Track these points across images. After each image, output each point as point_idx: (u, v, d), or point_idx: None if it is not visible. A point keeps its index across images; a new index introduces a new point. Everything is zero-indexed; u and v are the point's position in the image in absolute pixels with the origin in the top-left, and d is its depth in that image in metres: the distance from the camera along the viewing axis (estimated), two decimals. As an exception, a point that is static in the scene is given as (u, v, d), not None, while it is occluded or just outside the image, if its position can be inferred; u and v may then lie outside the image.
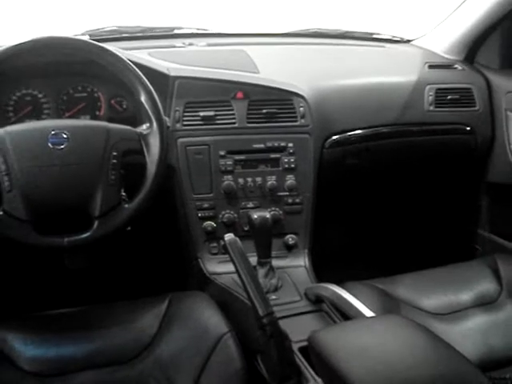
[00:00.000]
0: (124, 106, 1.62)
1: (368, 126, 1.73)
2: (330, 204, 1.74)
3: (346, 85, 1.77)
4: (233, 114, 1.58)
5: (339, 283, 1.33)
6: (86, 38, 1.55)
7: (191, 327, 1.30)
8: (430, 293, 1.50)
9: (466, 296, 1.49)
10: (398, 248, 2.10)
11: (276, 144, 1.58)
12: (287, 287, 1.46)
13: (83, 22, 2.17)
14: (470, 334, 1.39)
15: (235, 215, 1.57)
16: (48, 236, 1.29)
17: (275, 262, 1.47)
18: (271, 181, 1.58)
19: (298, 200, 1.60)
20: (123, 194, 1.36)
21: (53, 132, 1.31)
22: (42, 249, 1.31)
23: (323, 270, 1.59)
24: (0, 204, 1.28)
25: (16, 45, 1.34)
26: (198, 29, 2.02)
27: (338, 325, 1.24)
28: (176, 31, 2.00)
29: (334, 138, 1.68)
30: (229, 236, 1.22)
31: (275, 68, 1.74)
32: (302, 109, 1.61)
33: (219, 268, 1.54)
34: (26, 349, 1.27)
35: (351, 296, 1.24)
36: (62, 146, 1.30)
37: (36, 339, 1.30)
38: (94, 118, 1.61)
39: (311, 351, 1.01)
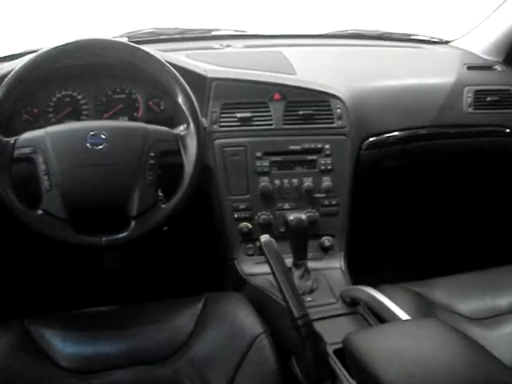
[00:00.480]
0: (162, 108, 1.64)
1: (405, 128, 1.72)
2: (366, 206, 1.73)
3: (383, 86, 1.77)
4: (269, 116, 1.58)
5: (375, 286, 1.33)
6: (125, 39, 1.58)
7: (226, 328, 1.31)
8: (467, 297, 1.48)
9: (504, 301, 1.47)
10: (435, 251, 2.08)
11: (313, 146, 1.58)
12: (322, 289, 1.45)
13: (122, 24, 2.20)
14: (508, 340, 1.36)
15: (271, 216, 1.57)
16: (86, 235, 1.32)
17: (311, 264, 1.46)
18: (307, 182, 1.58)
19: (334, 202, 1.60)
20: (160, 194, 1.38)
21: (91, 133, 1.34)
22: (80, 247, 1.34)
23: (359, 272, 1.58)
24: (40, 203, 1.31)
25: (56, 47, 1.38)
26: (236, 30, 2.04)
27: (374, 328, 1.24)
28: (213, 33, 2.02)
29: (371, 139, 1.67)
30: (265, 237, 1.22)
31: (312, 69, 1.74)
32: (338, 110, 1.61)
33: (255, 269, 1.54)
34: (63, 346, 1.29)
35: (387, 299, 1.23)
36: (101, 147, 1.33)
37: (73, 336, 1.33)
38: (132, 119, 1.63)
39: (346, 353, 1.01)
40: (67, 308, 1.43)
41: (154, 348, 1.31)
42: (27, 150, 1.32)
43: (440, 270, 1.58)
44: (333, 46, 2.03)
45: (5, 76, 1.38)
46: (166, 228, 1.44)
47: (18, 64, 1.37)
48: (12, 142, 1.32)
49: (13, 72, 1.35)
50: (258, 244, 1.48)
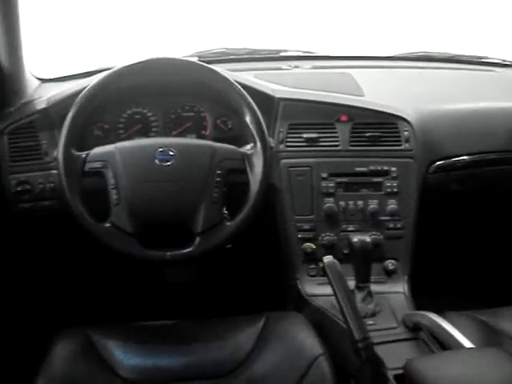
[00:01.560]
0: (229, 126, 1.66)
1: (474, 152, 1.69)
2: (431, 230, 1.71)
3: (452, 109, 1.74)
4: (336, 137, 1.59)
5: (438, 312, 1.31)
6: (195, 59, 1.61)
7: (286, 347, 1.31)
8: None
9: None
10: (502, 278, 2.02)
11: (379, 168, 1.58)
12: (385, 313, 1.44)
13: (193, 43, 2.25)
14: None
15: (335, 238, 1.57)
16: (151, 249, 1.35)
17: (374, 287, 1.45)
18: (373, 205, 1.57)
19: (399, 225, 1.58)
20: (225, 211, 1.40)
21: (160, 149, 1.38)
22: (144, 261, 1.37)
23: (422, 297, 1.55)
24: (107, 216, 1.35)
25: (128, 65, 1.43)
26: (304, 51, 2.05)
27: (436, 354, 1.22)
28: (282, 54, 2.04)
29: (439, 163, 1.65)
30: (328, 258, 1.23)
31: (380, 91, 1.74)
32: (406, 133, 1.60)
33: (317, 290, 1.54)
34: (124, 356, 1.32)
35: (451, 326, 1.21)
36: (169, 163, 1.37)
37: (135, 348, 1.36)
38: (200, 137, 1.66)
39: (407, 379, 1.00)
40: (129, 319, 1.46)
41: (214, 364, 1.32)
42: (98, 165, 1.37)
43: (506, 299, 1.55)
44: (401, 68, 2.02)
45: (78, 93, 1.44)
46: (229, 245, 1.46)
47: (91, 81, 1.44)
48: (84, 156, 1.38)
49: (86, 89, 1.41)
50: (320, 265, 1.51)
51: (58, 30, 2.43)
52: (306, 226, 1.57)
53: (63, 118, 1.40)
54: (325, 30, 2.44)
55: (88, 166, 1.37)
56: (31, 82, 1.76)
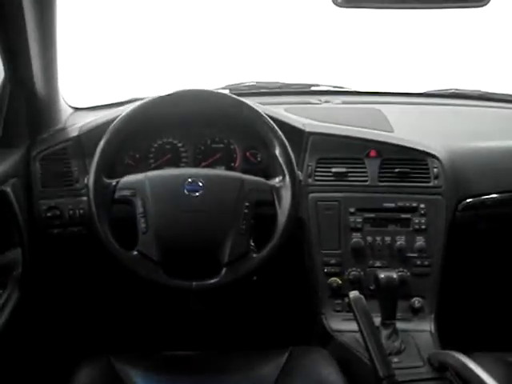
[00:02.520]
0: (258, 159, 1.68)
1: (504, 191, 1.67)
2: (459, 268, 1.69)
3: (482, 147, 1.73)
4: (365, 172, 1.59)
5: (465, 352, 1.29)
6: (226, 91, 1.64)
7: (309, 382, 1.30)
8: None
9: None
10: None
11: (407, 204, 1.57)
12: (410, 351, 1.42)
13: (224, 76, 2.28)
14: None
15: (361, 273, 1.56)
16: (177, 278, 1.35)
17: (399, 325, 1.44)
18: (400, 241, 1.56)
19: (426, 262, 1.57)
20: (252, 243, 1.40)
21: (189, 180, 1.39)
22: (170, 290, 1.38)
23: (449, 336, 1.53)
24: (135, 244, 1.36)
25: (159, 96, 1.46)
26: (334, 86, 2.07)
27: None
28: (312, 88, 2.06)
29: (468, 200, 1.64)
30: (354, 293, 1.22)
31: (410, 128, 1.74)
32: (435, 170, 1.59)
33: (342, 325, 1.53)
34: None
35: (478, 367, 1.19)
36: (197, 194, 1.38)
37: (157, 378, 1.36)
38: (229, 168, 1.68)
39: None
40: (152, 348, 1.46)
41: None
42: (127, 193, 1.38)
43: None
44: (432, 104, 2.03)
45: (110, 122, 1.47)
46: (255, 277, 1.46)
47: (123, 111, 1.46)
48: (114, 183, 1.39)
49: (118, 119, 1.43)
50: (346, 300, 1.49)
51: (91, 61, 2.49)
52: (333, 261, 1.57)
53: (95, 145, 1.42)
54: (355, 65, 2.46)
55: (118, 194, 1.38)
56: (65, 110, 1.80)
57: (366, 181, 1.59)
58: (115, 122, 1.43)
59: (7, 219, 1.45)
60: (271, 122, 1.44)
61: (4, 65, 1.48)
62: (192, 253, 1.40)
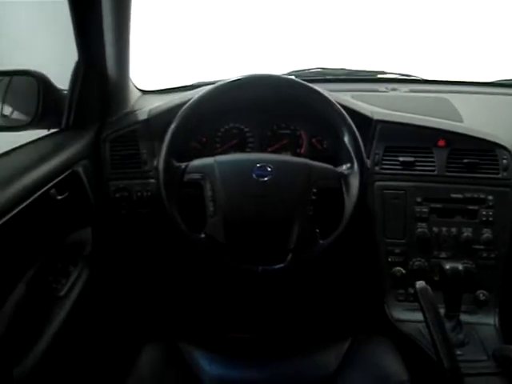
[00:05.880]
0: (324, 146, 1.69)
1: None
2: None
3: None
4: (433, 162, 1.58)
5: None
6: (292, 77, 1.64)
7: (371, 371, 1.31)
8: None
9: None
10: None
11: (475, 195, 1.55)
12: (474, 345, 1.42)
13: (288, 62, 2.28)
14: None
15: (426, 264, 1.56)
16: (243, 262, 1.38)
17: (463, 317, 1.43)
18: (467, 233, 1.55)
19: (493, 255, 1.55)
20: (317, 229, 1.41)
21: (258, 165, 1.40)
22: (237, 272, 1.40)
23: (513, 330, 1.52)
24: (201, 227, 1.39)
25: (228, 81, 1.47)
26: (402, 74, 2.05)
27: None
28: (379, 76, 2.05)
29: None
30: (420, 283, 1.22)
31: (479, 118, 1.71)
32: (505, 161, 1.57)
33: (404, 315, 1.53)
34: (211, 368, 1.36)
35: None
36: (266, 179, 1.39)
37: (221, 360, 1.39)
38: (295, 154, 1.70)
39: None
40: (215, 330, 1.49)
41: (299, 381, 1.34)
42: (197, 176, 1.41)
43: None
44: (502, 94, 1.98)
45: (179, 106, 1.49)
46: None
47: (192, 95, 1.48)
48: (183, 167, 1.42)
49: (189, 103, 1.45)
50: (410, 290, 1.49)
51: (157, 45, 2.53)
52: (397, 250, 1.57)
53: (163, 129, 1.45)
54: (423, 53, 2.43)
55: (187, 177, 1.41)
56: (134, 93, 1.84)
57: (434, 171, 1.58)
58: (185, 107, 1.45)
59: (79, 199, 1.50)
60: (341, 109, 1.44)
61: (78, 46, 1.52)
62: (259, 237, 1.41)
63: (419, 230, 1.56)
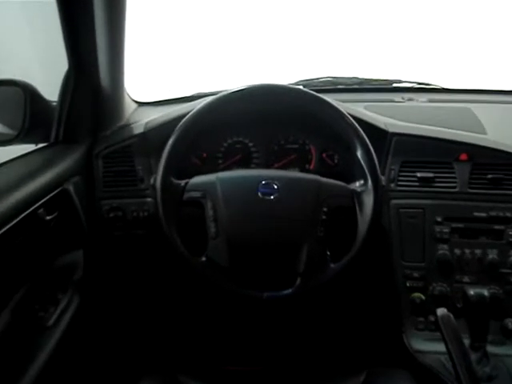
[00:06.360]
0: (335, 161, 1.68)
1: None
2: None
3: None
4: (453, 178, 1.56)
5: None
6: (300, 87, 1.63)
7: None
8: None
9: None
10: None
11: (501, 214, 1.53)
12: (502, 378, 1.38)
13: (296, 71, 2.28)
14: None
15: (448, 289, 1.53)
16: (247, 287, 1.36)
17: (490, 348, 1.40)
18: (492, 255, 1.52)
19: None
20: (327, 252, 1.39)
21: (263, 182, 1.39)
22: (239, 299, 1.38)
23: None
24: (202, 249, 1.37)
25: (231, 92, 1.46)
26: (419, 83, 2.05)
27: None
28: (395, 85, 2.04)
29: None
30: (442, 310, 1.20)
31: (504, 129, 1.71)
32: None
33: (425, 346, 1.50)
34: None
35: None
36: (272, 197, 1.38)
37: None
38: (304, 170, 1.68)
39: None
40: (215, 362, 1.47)
41: None
42: (197, 194, 1.40)
43: None
44: None
45: (178, 118, 1.49)
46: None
47: (192, 107, 1.47)
48: (182, 184, 1.41)
49: (188, 115, 1.44)
50: (431, 318, 1.47)
51: (154, 54, 2.53)
52: (416, 274, 1.55)
53: (161, 143, 1.44)
54: (442, 59, 2.42)
55: (186, 196, 1.40)
56: (129, 105, 1.84)
57: (455, 187, 1.56)
58: (184, 119, 1.44)
59: (69, 219, 1.49)
60: (353, 120, 1.43)
61: (68, 53, 1.52)
62: (264, 261, 1.40)
63: (440, 252, 1.53)
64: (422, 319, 1.54)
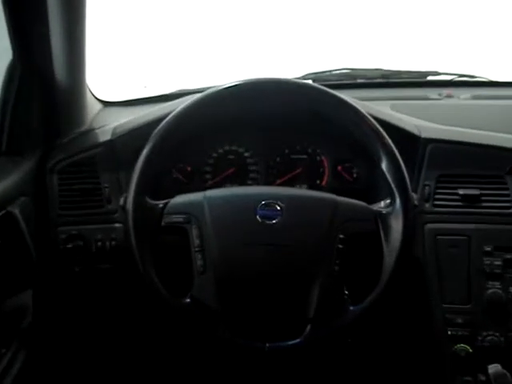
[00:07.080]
0: (354, 175, 1.67)
1: None
2: None
3: None
4: (507, 195, 1.54)
5: None
6: (309, 82, 1.61)
7: None
8: None
9: None
10: None
11: None
12: None
13: (305, 61, 2.28)
14: None
15: (502, 339, 1.49)
16: (244, 336, 1.34)
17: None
18: None
19: None
20: (345, 291, 1.37)
21: (263, 202, 1.37)
22: (235, 350, 1.38)
23: None
24: (188, 289, 1.35)
25: (220, 89, 1.43)
26: (461, 75, 2.04)
27: None
28: (430, 78, 2.04)
29: None
30: (495, 367, 1.18)
31: None
32: None
33: None
34: None
35: None
36: (274, 221, 1.36)
37: None
38: (314, 187, 1.67)
39: None
40: None
41: None
42: (179, 219, 1.37)
43: None
44: None
45: (154, 122, 1.48)
46: (349, 339, 1.43)
47: (172, 108, 1.45)
48: (161, 206, 1.39)
49: (166, 119, 1.42)
50: (481, 377, 1.45)
51: (125, 46, 2.54)
52: (460, 320, 1.52)
53: (134, 153, 1.42)
54: (489, 46, 2.42)
55: (166, 220, 1.38)
56: (92, 106, 1.83)
57: (508, 207, 1.54)
58: (163, 123, 1.42)
59: (15, 251, 1.46)
60: (376, 124, 1.41)
61: (11, 39, 1.49)
62: (265, 303, 1.38)
63: (490, 290, 1.50)
64: (469, 378, 1.51)
